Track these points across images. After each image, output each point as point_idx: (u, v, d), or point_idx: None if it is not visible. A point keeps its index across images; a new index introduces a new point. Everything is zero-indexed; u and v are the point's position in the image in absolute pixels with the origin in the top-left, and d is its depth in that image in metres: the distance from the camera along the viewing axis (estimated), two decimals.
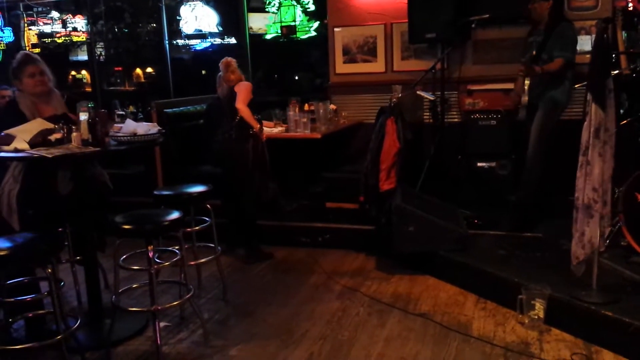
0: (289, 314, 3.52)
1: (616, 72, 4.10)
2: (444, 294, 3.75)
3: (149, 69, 8.33)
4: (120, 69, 8.39)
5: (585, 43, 4.81)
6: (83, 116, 3.18)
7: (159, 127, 3.43)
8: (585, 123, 3.02)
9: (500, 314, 3.43)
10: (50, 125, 3.26)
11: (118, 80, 8.50)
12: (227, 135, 4.37)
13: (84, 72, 8.55)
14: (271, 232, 4.83)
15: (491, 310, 3.49)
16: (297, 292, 3.87)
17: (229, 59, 4.49)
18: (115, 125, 3.44)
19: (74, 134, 3.14)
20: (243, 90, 4.33)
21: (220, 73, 5.33)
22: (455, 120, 5.41)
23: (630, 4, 7.91)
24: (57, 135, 3.17)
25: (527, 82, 4.37)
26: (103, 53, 7.91)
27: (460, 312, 3.47)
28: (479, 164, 5.08)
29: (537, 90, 4.31)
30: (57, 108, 3.48)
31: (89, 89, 8.12)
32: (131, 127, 3.30)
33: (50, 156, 2.83)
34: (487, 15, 4.57)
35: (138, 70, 8.48)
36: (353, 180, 4.70)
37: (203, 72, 8.01)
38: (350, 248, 4.64)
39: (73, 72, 8.71)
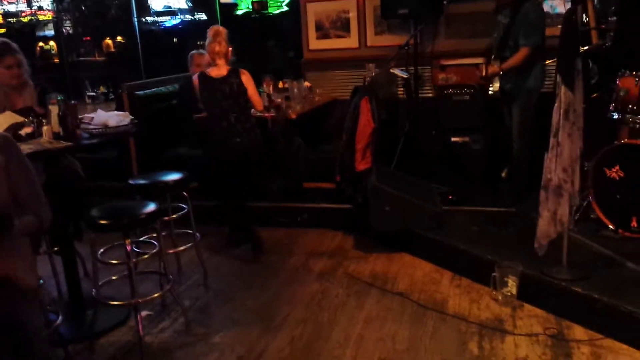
0: (269, 298, 3.58)
1: (586, 48, 4.13)
2: (420, 272, 3.84)
3: (119, 38, 8.12)
4: (88, 38, 8.18)
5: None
6: (53, 109, 3.14)
7: (131, 117, 3.40)
8: (556, 105, 3.07)
9: (474, 290, 3.53)
10: (21, 119, 3.21)
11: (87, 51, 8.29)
12: (250, 129, 4.15)
13: (51, 43, 8.32)
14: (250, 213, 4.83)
15: (466, 287, 3.59)
16: (277, 274, 3.92)
17: (220, 27, 4.16)
18: (86, 115, 3.40)
19: (45, 128, 3.11)
20: (252, 84, 4.13)
21: (193, 51, 5.27)
22: (429, 95, 5.44)
23: None
24: (28, 130, 3.13)
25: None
26: (71, 32, 7.70)
27: (436, 290, 3.57)
28: (453, 139, 5.12)
29: (508, 77, 4.27)
30: (29, 100, 3.43)
31: (56, 60, 7.92)
32: (102, 118, 3.26)
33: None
34: None
35: (108, 40, 8.29)
36: (330, 160, 4.73)
37: (174, 39, 7.81)
38: (328, 227, 4.68)
39: (41, 44, 8.47)
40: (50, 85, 3.96)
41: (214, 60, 4.06)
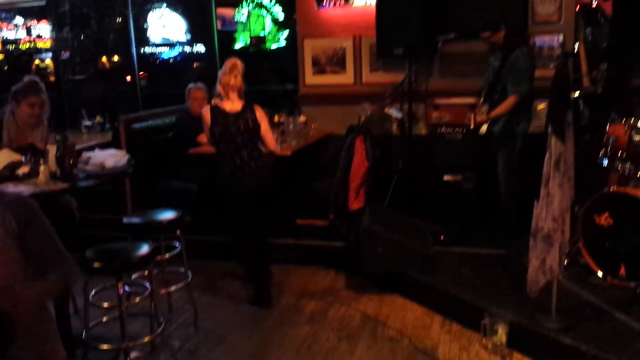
0: (260, 341, 3.58)
1: (577, 94, 4.22)
2: (411, 315, 3.85)
3: (116, 57, 8.15)
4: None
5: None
6: (51, 149, 3.18)
7: (127, 156, 3.43)
8: (547, 156, 3.12)
9: (465, 337, 3.54)
10: (18, 157, 3.25)
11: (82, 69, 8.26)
12: (263, 166, 3.97)
13: (48, 60, 8.35)
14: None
15: (456, 333, 3.60)
16: (268, 315, 3.92)
17: (237, 60, 3.92)
18: (83, 155, 3.42)
19: (42, 168, 3.13)
20: (266, 120, 3.98)
21: (190, 85, 5.32)
22: (423, 133, 5.50)
23: (594, 1, 8.11)
24: (25, 169, 3.16)
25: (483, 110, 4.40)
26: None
27: (426, 336, 3.58)
28: (446, 177, 5.17)
29: (497, 120, 4.33)
30: (39, 138, 3.48)
31: (52, 78, 7.96)
32: (99, 158, 3.30)
33: None
34: (453, 36, 4.65)
35: (104, 59, 8.34)
36: (323, 197, 4.76)
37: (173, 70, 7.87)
38: (320, 264, 4.70)
39: (37, 61, 8.51)
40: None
41: (227, 94, 3.87)
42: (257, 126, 3.90)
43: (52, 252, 2.25)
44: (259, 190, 3.97)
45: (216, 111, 3.87)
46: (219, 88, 3.89)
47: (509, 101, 4.19)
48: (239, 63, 3.88)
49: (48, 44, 7.48)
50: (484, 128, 4.37)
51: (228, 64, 3.86)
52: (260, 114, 3.93)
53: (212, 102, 4.00)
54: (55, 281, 2.23)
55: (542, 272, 3.23)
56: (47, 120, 3.61)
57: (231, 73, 3.84)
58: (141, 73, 7.07)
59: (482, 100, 4.42)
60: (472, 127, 4.35)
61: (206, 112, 3.90)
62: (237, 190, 3.95)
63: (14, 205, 2.21)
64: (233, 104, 3.88)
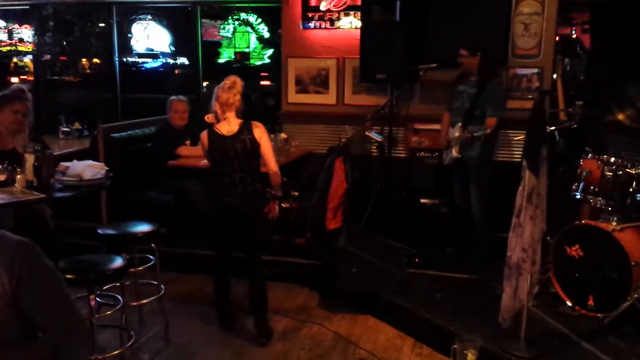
0: (231, 357, 3.56)
1: (553, 128, 4.34)
2: (383, 337, 3.88)
3: (96, 60, 8.07)
4: (64, 58, 8.12)
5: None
6: (29, 158, 3.15)
7: (106, 169, 3.42)
8: (520, 188, 3.20)
9: None
10: None
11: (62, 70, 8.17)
12: (253, 194, 3.72)
13: (26, 59, 8.24)
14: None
15: (427, 356, 3.64)
16: (241, 331, 3.91)
17: (237, 77, 3.69)
18: (61, 164, 3.40)
19: (19, 177, 3.10)
20: (266, 138, 3.72)
21: (172, 97, 5.30)
22: (402, 155, 5.58)
23: (574, 33, 8.36)
24: (1, 177, 3.12)
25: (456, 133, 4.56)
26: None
27: (397, 358, 3.60)
28: (422, 201, 5.25)
29: (469, 146, 4.51)
30: (20, 144, 3.46)
31: (30, 78, 7.87)
32: (78, 169, 3.27)
33: None
34: (435, 65, 4.76)
35: (85, 64, 8.27)
36: (301, 215, 4.78)
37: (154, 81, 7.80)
38: (295, 282, 4.70)
39: (15, 59, 8.39)
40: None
41: (224, 112, 3.63)
42: (255, 146, 3.65)
43: (51, 311, 1.82)
44: (243, 216, 3.73)
45: (214, 137, 3.65)
46: (215, 106, 3.66)
47: (492, 122, 4.38)
48: (238, 81, 3.66)
49: (30, 48, 7.42)
50: (456, 149, 4.51)
51: (227, 81, 3.64)
52: (259, 132, 3.67)
53: (207, 119, 3.81)
54: (40, 349, 1.82)
55: (515, 300, 3.29)
56: (29, 129, 3.59)
57: (230, 91, 3.61)
58: None
59: (459, 125, 4.52)
60: (445, 144, 4.60)
61: (204, 137, 3.70)
62: (220, 209, 3.75)
63: (9, 254, 1.75)
64: (230, 125, 3.64)
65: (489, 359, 3.34)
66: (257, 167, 3.75)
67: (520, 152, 4.89)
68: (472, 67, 4.50)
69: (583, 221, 3.90)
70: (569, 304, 3.79)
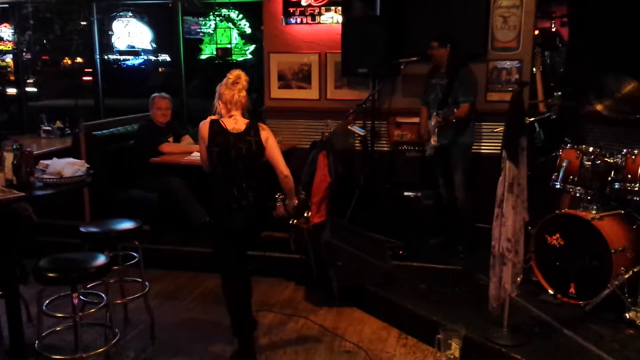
0: (216, 353, 3.56)
1: (532, 119, 4.38)
2: (369, 329, 3.90)
3: (79, 59, 8.00)
4: (47, 57, 8.06)
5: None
6: (7, 156, 3.12)
7: (86, 166, 3.39)
8: (501, 178, 3.24)
9: (420, 350, 3.61)
10: None
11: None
12: (259, 197, 3.37)
13: (8, 60, 8.16)
14: (201, 260, 4.82)
15: (412, 346, 3.67)
16: (227, 327, 3.89)
17: (241, 72, 3.30)
18: (41, 162, 3.37)
19: None
20: (274, 141, 3.38)
21: (155, 94, 5.27)
22: (385, 149, 5.60)
23: (554, 26, 8.45)
24: None
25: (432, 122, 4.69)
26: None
27: (382, 349, 3.63)
28: (406, 193, 5.28)
29: (446, 134, 4.63)
30: None
31: (12, 77, 7.80)
32: (58, 166, 3.25)
33: None
34: (416, 59, 4.80)
35: (67, 60, 8.20)
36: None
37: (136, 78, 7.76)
38: (280, 276, 4.72)
39: None
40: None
41: (229, 111, 3.27)
42: (260, 150, 3.30)
43: None
44: (249, 226, 3.39)
45: (216, 128, 3.24)
46: (218, 105, 3.28)
47: (464, 107, 4.52)
48: (243, 75, 3.27)
49: (10, 47, 7.34)
50: (434, 140, 4.64)
51: (231, 75, 3.25)
52: (265, 135, 3.32)
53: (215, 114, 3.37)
54: None
55: (500, 289, 3.33)
56: None
57: (235, 87, 3.24)
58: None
59: (435, 113, 4.60)
60: (423, 131, 4.81)
61: (204, 127, 3.26)
62: (228, 225, 3.34)
63: None
64: (236, 123, 3.26)
65: (473, 348, 3.38)
66: (263, 173, 3.42)
67: (501, 144, 4.95)
68: (442, 58, 4.66)
69: (563, 210, 3.95)
70: (550, 292, 3.85)
